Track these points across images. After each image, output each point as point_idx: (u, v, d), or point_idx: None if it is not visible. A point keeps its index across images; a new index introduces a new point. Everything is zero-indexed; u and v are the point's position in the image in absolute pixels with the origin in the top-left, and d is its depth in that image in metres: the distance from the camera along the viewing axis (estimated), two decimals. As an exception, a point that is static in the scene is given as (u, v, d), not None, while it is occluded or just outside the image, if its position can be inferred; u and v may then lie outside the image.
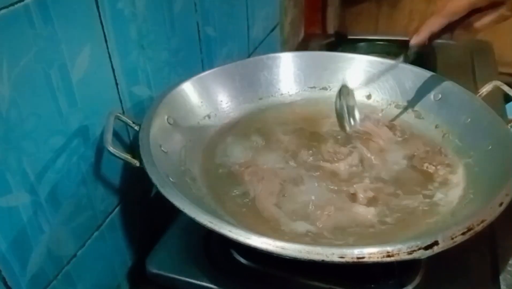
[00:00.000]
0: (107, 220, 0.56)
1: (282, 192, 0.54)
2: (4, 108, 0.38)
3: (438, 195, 0.53)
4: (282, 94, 0.72)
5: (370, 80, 0.69)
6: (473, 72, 0.98)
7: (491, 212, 0.41)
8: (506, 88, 0.60)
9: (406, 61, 0.59)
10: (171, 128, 0.57)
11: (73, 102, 0.46)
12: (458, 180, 0.54)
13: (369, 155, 0.59)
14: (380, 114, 0.68)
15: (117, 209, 0.57)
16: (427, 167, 0.57)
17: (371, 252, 0.38)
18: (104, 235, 0.55)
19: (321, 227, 0.49)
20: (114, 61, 0.52)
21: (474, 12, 0.52)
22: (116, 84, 0.53)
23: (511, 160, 0.49)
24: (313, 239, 0.48)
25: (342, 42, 1.20)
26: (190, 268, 0.53)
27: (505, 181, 0.45)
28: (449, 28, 0.54)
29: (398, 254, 0.37)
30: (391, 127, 0.64)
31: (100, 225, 0.55)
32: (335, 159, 0.59)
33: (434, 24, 0.54)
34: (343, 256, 0.38)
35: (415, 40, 0.56)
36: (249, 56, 0.90)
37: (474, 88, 0.64)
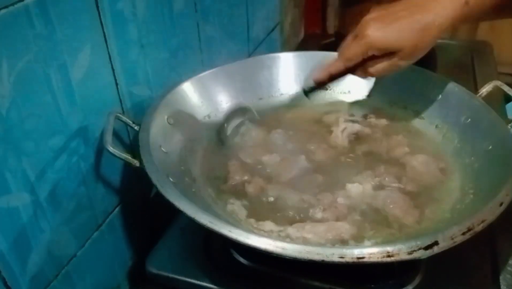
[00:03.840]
0: (107, 220, 0.56)
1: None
2: (4, 108, 0.38)
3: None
4: (282, 94, 0.72)
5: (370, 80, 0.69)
6: (473, 72, 0.98)
7: (491, 212, 0.41)
8: (506, 88, 0.61)
9: (305, 94, 0.62)
10: (171, 128, 0.57)
11: (73, 102, 0.46)
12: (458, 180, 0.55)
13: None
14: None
15: (117, 209, 0.57)
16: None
17: (371, 252, 0.38)
18: (104, 235, 0.55)
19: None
20: (114, 61, 0.52)
21: (370, 58, 0.54)
22: (116, 84, 0.53)
23: (511, 160, 0.49)
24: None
25: (342, 42, 1.20)
26: (190, 268, 0.53)
27: (505, 181, 0.45)
28: (349, 70, 0.57)
29: (398, 254, 0.37)
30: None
31: (100, 225, 0.55)
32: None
33: (332, 66, 0.57)
34: (343, 256, 0.38)
35: (315, 77, 0.59)
36: (249, 56, 0.90)
37: (474, 88, 0.64)
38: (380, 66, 0.54)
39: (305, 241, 0.46)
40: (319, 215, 0.50)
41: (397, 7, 0.52)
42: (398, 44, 0.52)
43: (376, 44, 0.52)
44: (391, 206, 0.51)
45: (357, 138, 0.63)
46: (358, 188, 0.53)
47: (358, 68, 0.56)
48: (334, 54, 0.73)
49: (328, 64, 0.57)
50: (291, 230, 0.47)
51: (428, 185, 0.55)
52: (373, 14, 0.53)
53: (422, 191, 0.54)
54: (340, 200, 0.52)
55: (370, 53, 0.53)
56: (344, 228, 0.48)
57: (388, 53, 0.53)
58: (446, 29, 0.51)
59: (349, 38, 0.55)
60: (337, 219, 0.49)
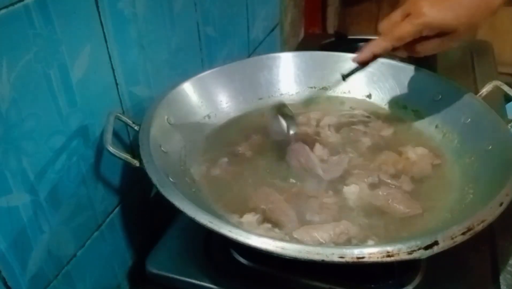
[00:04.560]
0: (107, 220, 0.56)
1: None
2: (4, 108, 0.38)
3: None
4: (282, 94, 0.72)
5: (370, 80, 0.69)
6: (473, 72, 0.98)
7: (491, 212, 0.41)
8: (506, 88, 0.61)
9: (344, 78, 0.59)
10: (171, 128, 0.57)
11: (73, 102, 0.46)
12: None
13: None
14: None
15: (117, 209, 0.57)
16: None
17: (371, 252, 0.38)
18: (104, 235, 0.55)
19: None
20: (114, 61, 0.52)
21: (420, 37, 0.52)
22: (116, 84, 0.53)
23: (511, 160, 0.49)
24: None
25: (342, 42, 1.20)
26: (190, 268, 0.53)
27: (505, 181, 0.45)
28: (392, 50, 0.54)
29: (398, 254, 0.37)
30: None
31: (100, 225, 0.55)
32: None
33: (377, 46, 0.54)
34: (343, 256, 0.38)
35: (358, 58, 0.56)
36: (249, 56, 0.90)
37: (474, 88, 0.64)
38: (430, 46, 0.52)
39: (314, 242, 0.46)
40: (316, 218, 0.50)
41: None
42: (455, 24, 0.49)
43: (433, 23, 0.49)
44: (390, 201, 0.51)
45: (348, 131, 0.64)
46: (355, 189, 0.53)
47: (401, 46, 0.53)
48: (334, 54, 0.73)
49: (370, 44, 0.54)
50: (298, 233, 0.47)
51: (425, 181, 0.55)
52: None
53: (420, 188, 0.54)
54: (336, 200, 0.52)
55: (424, 33, 0.51)
56: (349, 227, 0.48)
57: (440, 34, 0.50)
58: (502, 4, 0.49)
59: (396, 16, 0.52)
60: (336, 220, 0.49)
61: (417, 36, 0.51)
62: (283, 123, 0.59)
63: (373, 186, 0.54)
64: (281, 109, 0.60)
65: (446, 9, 0.49)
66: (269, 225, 0.49)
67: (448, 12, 0.49)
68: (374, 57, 0.55)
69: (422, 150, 0.59)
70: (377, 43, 0.54)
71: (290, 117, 0.59)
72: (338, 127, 0.65)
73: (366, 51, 0.55)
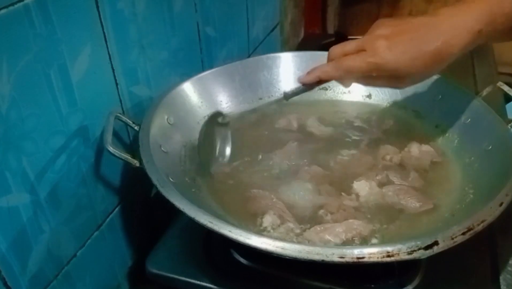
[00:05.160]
0: (107, 220, 0.56)
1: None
2: (4, 108, 0.38)
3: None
4: (282, 94, 0.71)
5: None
6: (473, 72, 0.98)
7: (491, 212, 0.41)
8: (506, 88, 0.60)
9: (286, 97, 0.57)
10: (171, 128, 0.57)
11: (73, 102, 0.46)
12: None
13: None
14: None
15: (117, 209, 0.57)
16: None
17: (371, 252, 0.38)
18: (104, 235, 0.55)
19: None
20: (114, 61, 0.52)
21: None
22: (116, 84, 0.53)
23: (511, 160, 0.49)
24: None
25: (342, 42, 1.20)
26: (190, 268, 0.53)
27: (505, 181, 0.45)
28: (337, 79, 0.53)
29: (398, 254, 0.37)
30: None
31: (100, 225, 0.55)
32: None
33: (324, 73, 0.52)
34: (343, 256, 0.38)
35: (303, 80, 0.54)
36: (249, 56, 0.90)
37: (474, 88, 0.64)
38: (376, 83, 0.52)
39: (326, 243, 0.46)
40: (328, 217, 0.50)
41: (409, 24, 0.49)
42: (407, 71, 0.48)
43: (386, 67, 0.48)
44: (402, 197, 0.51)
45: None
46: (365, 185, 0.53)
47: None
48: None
49: (319, 69, 0.53)
50: (308, 234, 0.47)
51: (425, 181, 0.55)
52: (384, 30, 0.49)
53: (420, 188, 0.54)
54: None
55: (374, 74, 0.49)
56: (362, 226, 0.47)
57: (391, 75, 0.50)
58: (454, 58, 0.48)
59: (350, 46, 0.51)
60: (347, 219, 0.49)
61: (366, 74, 0.50)
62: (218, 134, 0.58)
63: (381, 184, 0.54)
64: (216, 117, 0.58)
65: (403, 54, 0.48)
66: (290, 225, 0.49)
67: (405, 57, 0.48)
68: (319, 82, 0.54)
69: (426, 148, 0.59)
70: (325, 70, 0.52)
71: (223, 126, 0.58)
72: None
73: (312, 75, 0.53)
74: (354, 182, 0.54)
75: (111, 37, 0.50)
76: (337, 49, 0.53)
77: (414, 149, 0.59)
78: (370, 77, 0.50)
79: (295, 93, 0.56)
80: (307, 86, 0.55)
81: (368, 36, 0.50)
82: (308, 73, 0.54)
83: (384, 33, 0.49)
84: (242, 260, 0.53)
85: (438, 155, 0.59)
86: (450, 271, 0.50)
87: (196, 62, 0.71)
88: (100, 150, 0.52)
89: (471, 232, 0.39)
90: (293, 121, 0.67)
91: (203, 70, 0.66)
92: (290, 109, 0.70)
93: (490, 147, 0.54)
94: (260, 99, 0.70)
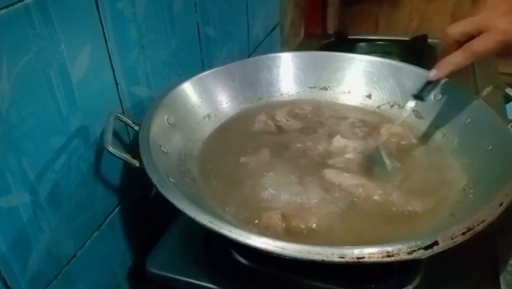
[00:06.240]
0: (107, 220, 0.56)
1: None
2: (4, 108, 0.38)
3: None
4: (282, 94, 0.72)
5: (370, 80, 0.69)
6: (473, 72, 0.98)
7: (491, 212, 0.41)
8: (506, 88, 0.60)
9: (421, 98, 0.56)
10: (171, 128, 0.57)
11: (73, 102, 0.46)
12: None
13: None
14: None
15: (117, 209, 0.57)
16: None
17: (371, 252, 0.38)
18: (104, 235, 0.55)
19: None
20: (114, 61, 0.52)
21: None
22: (116, 84, 0.53)
23: (511, 160, 0.49)
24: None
25: (342, 42, 1.20)
26: (190, 268, 0.53)
27: (505, 181, 0.45)
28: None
29: (398, 254, 0.37)
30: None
31: (100, 225, 0.55)
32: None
33: (457, 64, 0.52)
34: (343, 256, 0.38)
35: (436, 76, 0.54)
36: (249, 56, 0.90)
37: (474, 88, 0.64)
38: (509, 56, 0.52)
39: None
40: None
41: None
42: None
43: None
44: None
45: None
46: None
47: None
48: (334, 54, 0.73)
49: (447, 61, 0.52)
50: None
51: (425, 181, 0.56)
52: (500, 7, 0.49)
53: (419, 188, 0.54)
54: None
55: (504, 50, 0.49)
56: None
57: None
58: None
59: (467, 26, 0.51)
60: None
61: (497, 52, 0.50)
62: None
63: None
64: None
65: None
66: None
67: None
68: (452, 74, 0.53)
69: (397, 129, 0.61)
70: (455, 61, 0.52)
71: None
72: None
73: (444, 69, 0.53)
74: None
75: (111, 37, 0.50)
76: (457, 28, 0.52)
77: (384, 131, 0.60)
78: (502, 53, 0.50)
79: (429, 91, 0.56)
80: (435, 82, 0.55)
81: (484, 15, 0.50)
82: (437, 68, 0.53)
83: (501, 10, 0.49)
84: (242, 260, 0.53)
85: (408, 138, 0.60)
86: (450, 271, 0.50)
87: (196, 62, 0.71)
88: (100, 150, 0.52)
89: (471, 232, 0.39)
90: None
91: (203, 70, 0.66)
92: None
93: (490, 147, 0.54)
94: (260, 99, 0.70)
